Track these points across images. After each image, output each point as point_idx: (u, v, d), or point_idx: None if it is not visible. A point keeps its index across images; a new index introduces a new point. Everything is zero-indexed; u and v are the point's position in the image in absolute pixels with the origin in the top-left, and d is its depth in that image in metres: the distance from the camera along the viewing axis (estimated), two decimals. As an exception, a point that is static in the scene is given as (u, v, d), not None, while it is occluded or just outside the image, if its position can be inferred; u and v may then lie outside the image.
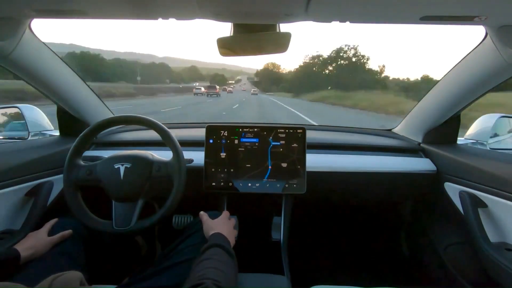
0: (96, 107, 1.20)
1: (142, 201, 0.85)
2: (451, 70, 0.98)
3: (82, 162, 0.88)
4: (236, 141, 1.01)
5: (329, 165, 1.10)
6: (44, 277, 0.47)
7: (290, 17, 0.66)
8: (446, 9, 0.59)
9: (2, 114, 1.53)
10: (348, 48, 61.98)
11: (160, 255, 0.81)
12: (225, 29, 0.76)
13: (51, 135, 1.30)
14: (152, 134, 0.93)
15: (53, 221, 0.82)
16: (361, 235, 1.49)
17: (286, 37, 0.75)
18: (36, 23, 0.80)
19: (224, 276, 0.56)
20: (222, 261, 0.61)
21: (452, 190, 0.99)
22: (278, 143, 1.00)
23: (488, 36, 0.76)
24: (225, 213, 0.85)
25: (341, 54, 63.14)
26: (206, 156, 1.00)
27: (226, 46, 0.80)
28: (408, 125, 1.28)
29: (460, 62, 0.93)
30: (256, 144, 1.01)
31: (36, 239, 0.75)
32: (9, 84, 11.29)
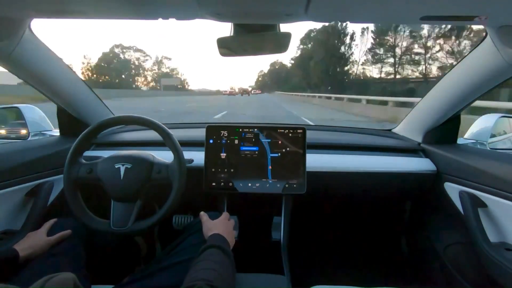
0: (96, 107, 1.20)
1: (140, 202, 0.85)
2: (451, 70, 0.98)
3: (83, 160, 0.88)
4: (236, 141, 1.01)
5: (329, 165, 1.10)
6: (42, 277, 0.47)
7: (290, 17, 0.66)
8: (447, 8, 0.59)
9: (2, 114, 1.53)
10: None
11: (160, 255, 0.81)
12: (225, 29, 0.76)
13: (51, 135, 1.30)
14: (152, 134, 0.93)
15: (52, 221, 0.82)
16: (361, 235, 1.49)
17: (286, 37, 0.75)
18: (36, 23, 0.80)
19: (219, 276, 0.55)
20: (217, 262, 0.61)
21: (452, 190, 0.99)
22: (278, 143, 1.00)
23: (488, 36, 0.76)
24: (225, 214, 0.85)
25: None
26: (206, 156, 1.00)
27: (226, 46, 0.80)
28: (408, 125, 1.28)
29: (460, 62, 0.93)
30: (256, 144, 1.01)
31: (35, 239, 0.75)
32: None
